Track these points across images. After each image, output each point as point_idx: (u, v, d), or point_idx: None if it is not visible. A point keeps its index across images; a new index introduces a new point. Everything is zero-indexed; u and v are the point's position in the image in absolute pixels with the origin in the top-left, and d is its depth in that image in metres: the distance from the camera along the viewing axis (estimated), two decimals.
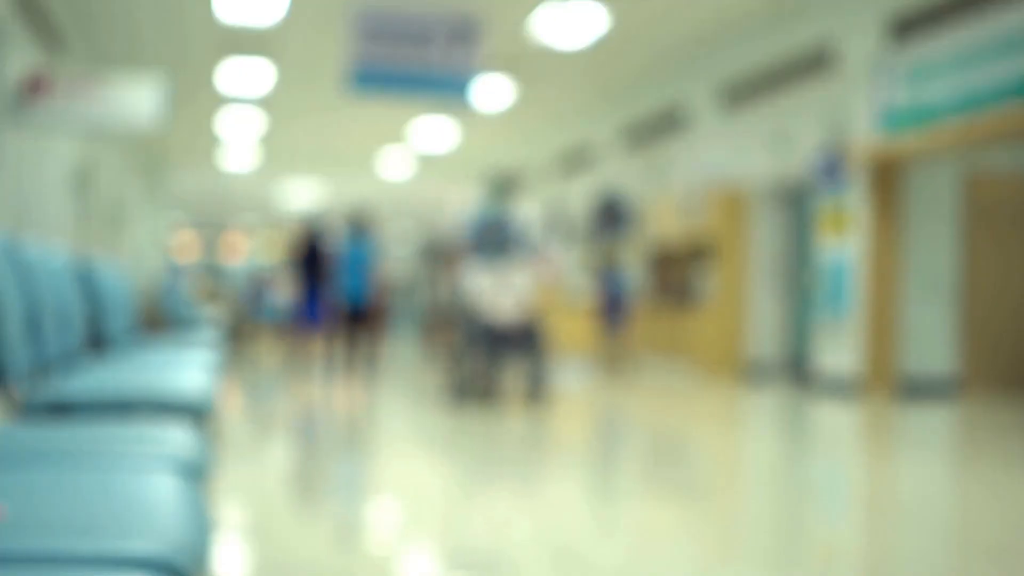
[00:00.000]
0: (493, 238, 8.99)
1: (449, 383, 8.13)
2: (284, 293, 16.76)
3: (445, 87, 9.11)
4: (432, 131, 15.21)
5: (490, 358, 7.69)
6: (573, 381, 10.50)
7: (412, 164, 19.04)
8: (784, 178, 10.10)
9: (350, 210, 11.43)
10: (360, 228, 10.42)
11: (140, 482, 1.36)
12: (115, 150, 13.83)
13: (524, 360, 7.83)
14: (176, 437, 1.78)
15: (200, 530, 1.18)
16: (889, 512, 3.93)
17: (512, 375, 9.21)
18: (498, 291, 7.96)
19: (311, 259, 10.55)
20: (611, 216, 13.77)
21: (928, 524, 3.92)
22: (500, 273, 8.11)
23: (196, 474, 1.58)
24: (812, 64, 9.36)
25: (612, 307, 12.32)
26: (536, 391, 7.66)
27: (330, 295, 10.52)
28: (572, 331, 14.56)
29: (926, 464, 5.37)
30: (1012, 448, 6.00)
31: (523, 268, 8.33)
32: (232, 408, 7.22)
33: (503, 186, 18.90)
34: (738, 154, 10.83)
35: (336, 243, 10.66)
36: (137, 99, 8.36)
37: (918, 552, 3.43)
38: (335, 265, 10.44)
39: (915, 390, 8.67)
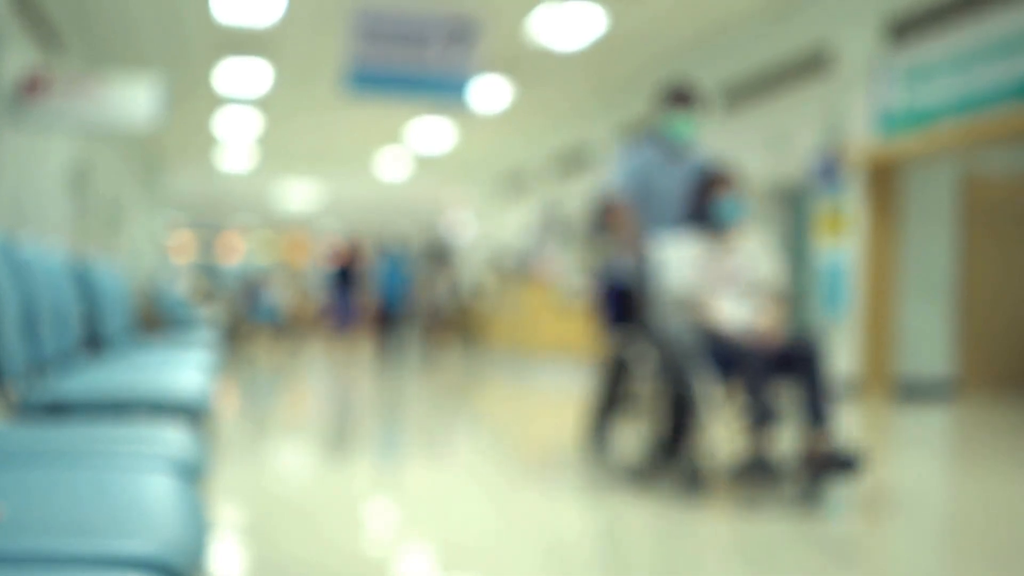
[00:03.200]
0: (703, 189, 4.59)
1: (643, 444, 4.68)
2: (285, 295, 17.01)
3: (443, 88, 9.11)
4: (430, 132, 15.21)
5: (756, 391, 3.96)
6: (572, 384, 10.50)
7: (410, 165, 19.04)
8: (781, 179, 10.10)
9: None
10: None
11: (136, 482, 1.35)
12: (112, 150, 13.82)
13: (781, 395, 4.16)
14: (172, 437, 1.78)
15: (196, 530, 1.17)
16: (888, 513, 3.94)
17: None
18: (717, 284, 4.39)
19: (345, 273, 14.95)
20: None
21: (928, 524, 3.92)
22: (714, 253, 4.45)
23: (192, 474, 1.58)
24: (809, 66, 9.37)
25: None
26: (825, 458, 3.91)
27: (364, 302, 13.76)
28: (568, 333, 14.56)
29: (924, 465, 5.38)
30: (1010, 450, 6.01)
31: (751, 243, 4.57)
32: (229, 408, 7.22)
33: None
34: (735, 155, 10.82)
35: (370, 261, 12.76)
36: (134, 99, 8.35)
37: (917, 552, 3.44)
38: (372, 278, 13.61)
39: (912, 392, 8.68)
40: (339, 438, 6.19)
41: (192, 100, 13.37)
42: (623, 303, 4.68)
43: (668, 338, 4.33)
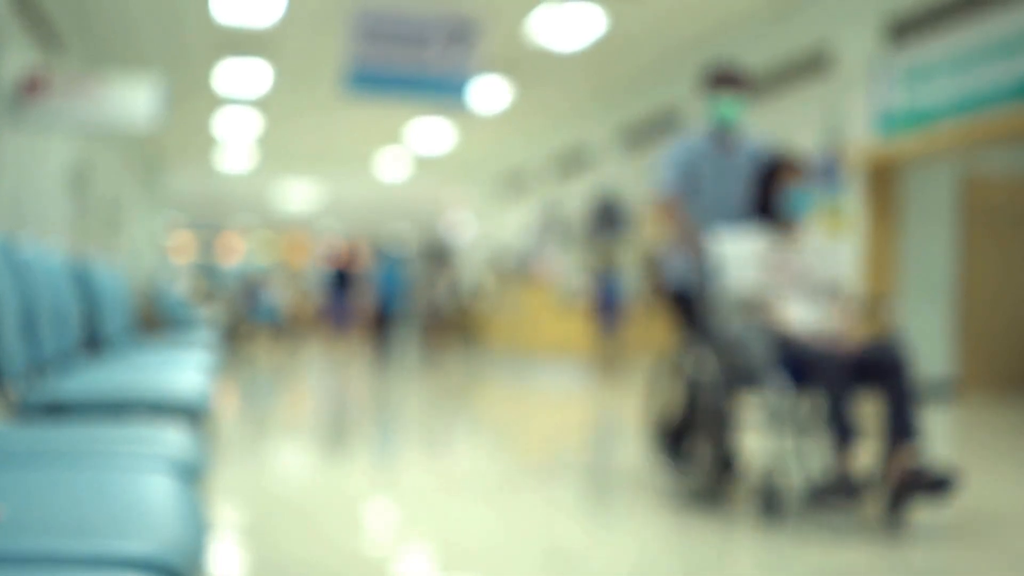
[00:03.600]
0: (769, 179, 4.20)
1: (693, 467, 4.19)
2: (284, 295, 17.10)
3: (443, 89, 9.11)
4: (429, 132, 15.21)
5: (837, 402, 3.56)
6: (572, 384, 10.51)
7: (409, 165, 19.04)
8: None
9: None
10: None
11: (136, 482, 1.35)
12: (112, 150, 13.82)
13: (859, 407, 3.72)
14: (172, 438, 1.78)
15: (195, 531, 1.17)
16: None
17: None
18: (784, 284, 3.98)
19: (343, 275, 15.30)
20: (608, 218, 13.78)
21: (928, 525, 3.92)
22: (780, 250, 4.03)
23: (192, 474, 1.58)
24: (809, 66, 9.37)
25: (608, 309, 12.33)
26: (914, 477, 3.51)
27: (360, 303, 14.10)
28: (567, 333, 14.56)
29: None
30: (1010, 450, 6.00)
31: (819, 238, 4.27)
32: (228, 409, 7.21)
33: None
34: None
35: (368, 262, 12.93)
36: (134, 99, 8.35)
37: (921, 553, 3.43)
38: (368, 281, 13.93)
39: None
40: (338, 438, 6.19)
41: (192, 100, 13.37)
42: (683, 306, 4.32)
43: (731, 343, 3.93)
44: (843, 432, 3.54)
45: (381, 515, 3.90)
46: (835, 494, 3.52)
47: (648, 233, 12.37)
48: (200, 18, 9.80)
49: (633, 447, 5.51)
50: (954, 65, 7.56)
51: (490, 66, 10.65)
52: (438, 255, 21.54)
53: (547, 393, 9.68)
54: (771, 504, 3.63)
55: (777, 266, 3.99)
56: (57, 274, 3.12)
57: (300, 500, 4.13)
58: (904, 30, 8.15)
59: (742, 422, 4.08)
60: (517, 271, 17.23)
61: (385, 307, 14.54)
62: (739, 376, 3.86)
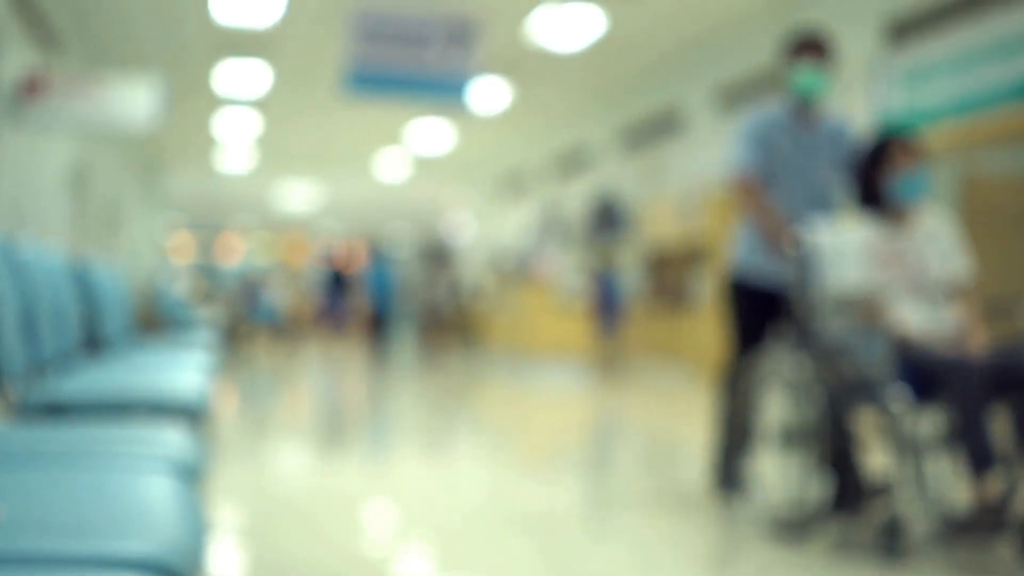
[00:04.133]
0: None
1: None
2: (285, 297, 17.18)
3: (442, 89, 9.11)
4: (429, 133, 15.21)
5: (973, 421, 3.05)
6: (572, 384, 10.51)
7: (409, 166, 19.04)
8: None
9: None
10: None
11: (135, 483, 1.35)
12: (112, 151, 13.82)
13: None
14: (172, 438, 1.78)
15: (195, 531, 1.17)
16: None
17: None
18: (897, 280, 3.46)
19: (338, 276, 15.78)
20: (607, 218, 13.78)
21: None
22: (890, 240, 3.54)
23: (191, 475, 1.58)
24: None
25: (607, 309, 12.33)
26: None
27: (356, 304, 14.57)
28: (567, 333, 14.56)
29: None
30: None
31: (932, 225, 3.72)
32: (228, 409, 7.21)
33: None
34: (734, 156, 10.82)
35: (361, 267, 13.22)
36: (134, 100, 8.35)
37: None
38: (362, 282, 14.36)
39: None
40: (338, 438, 6.19)
41: (191, 101, 13.37)
42: (763, 307, 3.87)
43: (838, 349, 3.38)
44: (980, 454, 3.00)
45: (381, 515, 3.90)
46: (973, 529, 2.99)
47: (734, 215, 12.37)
48: (200, 18, 9.80)
49: (633, 447, 5.52)
50: (954, 65, 7.56)
51: (490, 66, 10.64)
52: (438, 256, 21.54)
53: (547, 393, 9.68)
54: (893, 539, 3.07)
55: (889, 260, 3.47)
56: (57, 274, 3.12)
57: (300, 500, 4.13)
58: (904, 30, 8.15)
59: (860, 441, 3.53)
60: (517, 271, 17.23)
61: (380, 307, 14.56)
62: (852, 388, 3.31)
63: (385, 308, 14.58)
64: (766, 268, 3.88)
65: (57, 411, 2.41)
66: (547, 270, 16.16)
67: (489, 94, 12.10)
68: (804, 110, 3.97)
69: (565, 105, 13.81)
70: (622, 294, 12.48)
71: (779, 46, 3.92)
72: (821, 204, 3.92)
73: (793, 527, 3.39)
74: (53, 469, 1.43)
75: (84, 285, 3.79)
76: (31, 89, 8.04)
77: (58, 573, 0.94)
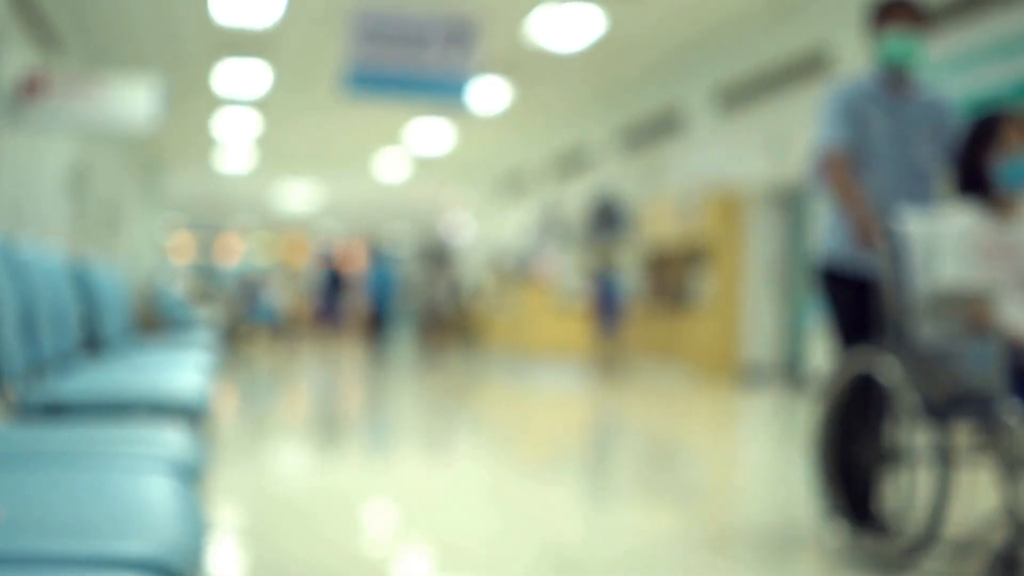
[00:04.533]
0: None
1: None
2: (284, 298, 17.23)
3: (442, 89, 9.11)
4: (429, 133, 15.21)
5: None
6: (572, 384, 10.51)
7: (409, 166, 19.04)
8: (780, 181, 10.11)
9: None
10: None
11: (135, 483, 1.35)
12: (111, 151, 13.82)
13: None
14: (171, 438, 1.78)
15: (194, 531, 1.17)
16: None
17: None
18: (1006, 276, 3.05)
19: (336, 276, 16.04)
20: (607, 218, 13.79)
21: None
22: (995, 232, 3.09)
23: (191, 475, 1.58)
24: (808, 66, 9.37)
25: (607, 309, 12.33)
26: None
27: (353, 304, 14.91)
28: (567, 334, 14.56)
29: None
30: None
31: None
32: (227, 409, 7.21)
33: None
34: (734, 156, 10.83)
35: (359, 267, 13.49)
36: (133, 100, 8.35)
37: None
38: (360, 282, 14.71)
39: None
40: (337, 438, 6.19)
41: (191, 101, 13.37)
42: (865, 299, 3.32)
43: (937, 355, 2.94)
44: None
45: (380, 515, 3.90)
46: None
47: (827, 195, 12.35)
48: (199, 19, 9.80)
49: (632, 447, 5.52)
50: (954, 65, 7.56)
51: (489, 66, 10.64)
52: (437, 256, 21.55)
53: (546, 394, 9.68)
54: (1006, 572, 2.74)
55: (995, 254, 3.01)
56: (56, 275, 3.12)
57: (300, 500, 4.13)
58: None
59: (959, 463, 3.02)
60: (516, 272, 17.24)
61: (380, 307, 14.63)
62: (954, 400, 2.87)
63: (385, 308, 14.63)
64: (862, 255, 3.35)
65: (57, 411, 2.41)
66: (547, 270, 16.16)
67: (489, 94, 12.10)
68: (897, 81, 3.41)
69: (565, 105, 13.81)
70: (622, 294, 12.48)
71: (864, 16, 3.46)
72: (920, 187, 3.40)
73: (892, 557, 2.94)
74: (53, 469, 1.43)
75: (84, 285, 3.80)
76: (31, 89, 8.04)
77: (58, 573, 0.94)
